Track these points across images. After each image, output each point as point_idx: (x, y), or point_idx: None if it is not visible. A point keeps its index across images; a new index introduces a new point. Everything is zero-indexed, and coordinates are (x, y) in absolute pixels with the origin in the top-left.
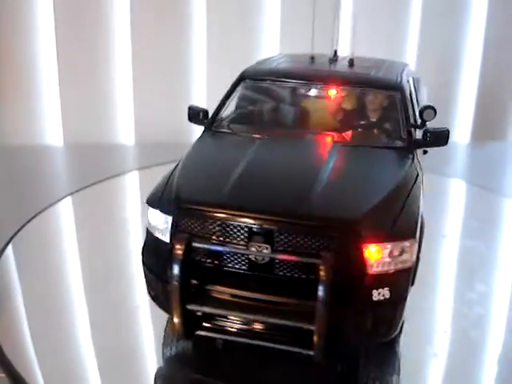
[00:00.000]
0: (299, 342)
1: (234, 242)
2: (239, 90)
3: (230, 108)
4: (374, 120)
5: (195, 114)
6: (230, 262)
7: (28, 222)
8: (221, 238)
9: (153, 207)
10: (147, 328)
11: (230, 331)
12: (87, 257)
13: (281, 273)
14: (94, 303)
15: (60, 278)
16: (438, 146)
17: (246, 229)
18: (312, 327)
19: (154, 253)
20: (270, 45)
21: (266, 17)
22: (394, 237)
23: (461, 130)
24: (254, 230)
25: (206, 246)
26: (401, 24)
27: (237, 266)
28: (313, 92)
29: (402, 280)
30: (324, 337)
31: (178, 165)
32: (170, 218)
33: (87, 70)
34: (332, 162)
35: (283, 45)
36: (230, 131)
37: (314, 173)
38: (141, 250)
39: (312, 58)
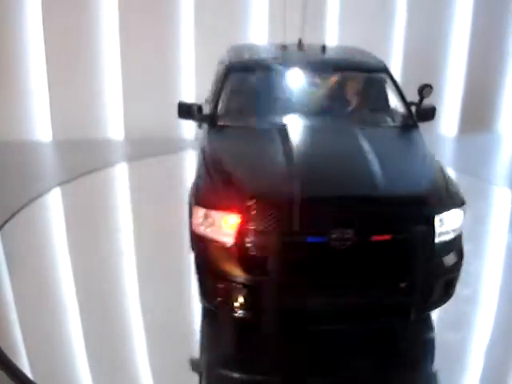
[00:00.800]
0: (395, 316)
1: (317, 231)
2: (229, 83)
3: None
4: (374, 101)
5: (188, 110)
6: (312, 252)
7: (16, 213)
8: (301, 229)
9: (211, 209)
10: (138, 313)
11: (327, 320)
12: (76, 246)
13: (364, 254)
14: (84, 294)
15: (49, 267)
16: (428, 120)
17: (328, 216)
18: (409, 299)
19: (218, 257)
20: (259, 39)
21: (253, 11)
22: (452, 206)
23: (447, 123)
24: (337, 215)
25: (299, 239)
26: (386, 15)
27: (320, 255)
28: (307, 79)
29: (460, 244)
30: (422, 307)
31: (206, 164)
32: (235, 217)
33: (76, 66)
34: (366, 143)
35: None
36: (239, 125)
37: (361, 154)
38: (194, 260)
39: (284, 46)
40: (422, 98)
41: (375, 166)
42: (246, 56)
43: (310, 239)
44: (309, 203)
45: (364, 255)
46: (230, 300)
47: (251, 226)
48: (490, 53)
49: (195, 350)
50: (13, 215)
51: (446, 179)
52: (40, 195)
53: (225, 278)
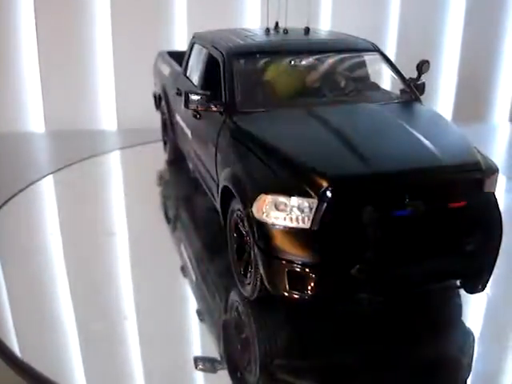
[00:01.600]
0: (470, 278)
1: (399, 204)
2: (235, 69)
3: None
4: (372, 80)
5: (196, 99)
6: (397, 225)
7: (8, 200)
8: (385, 205)
9: (282, 195)
10: (132, 308)
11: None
12: (69, 234)
13: (436, 221)
14: (77, 283)
15: (42, 254)
16: (420, 95)
17: (402, 190)
18: (483, 260)
19: (294, 243)
20: (251, 18)
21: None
22: (493, 170)
23: (441, 112)
24: (410, 188)
25: (385, 215)
26: (381, 2)
27: (404, 227)
28: (309, 60)
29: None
30: (492, 269)
31: (252, 150)
32: (312, 201)
33: (68, 57)
34: (397, 117)
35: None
36: (262, 109)
37: (403, 128)
38: (268, 248)
39: (268, 29)
40: (420, 74)
41: (421, 139)
42: (240, 41)
43: (397, 213)
44: (388, 179)
45: (441, 222)
46: (310, 286)
47: (332, 209)
48: (484, 42)
49: (190, 350)
50: (6, 202)
51: (475, 148)
52: (32, 182)
53: (304, 263)
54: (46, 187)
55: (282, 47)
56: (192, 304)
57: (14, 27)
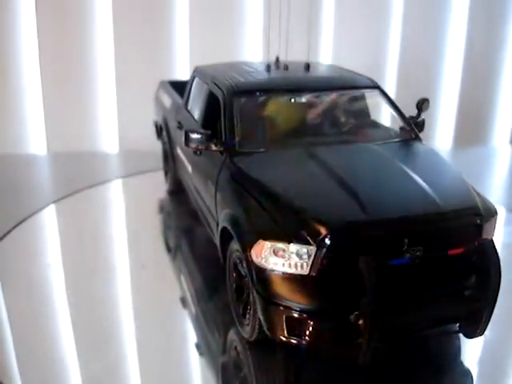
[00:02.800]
0: (469, 322)
1: (398, 253)
2: (236, 107)
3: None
4: (374, 117)
5: (197, 138)
6: (396, 273)
7: (10, 231)
8: (385, 253)
9: (280, 241)
10: (132, 337)
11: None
12: (70, 265)
13: (434, 268)
14: (77, 317)
15: (42, 288)
16: (420, 132)
17: (400, 237)
18: (483, 305)
19: (292, 289)
20: (252, 48)
21: (248, 19)
22: (492, 214)
23: (442, 136)
24: (408, 236)
25: (384, 263)
26: (381, 31)
27: (403, 274)
28: (311, 98)
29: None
30: (491, 313)
31: (251, 193)
32: (311, 248)
33: (70, 79)
34: (397, 160)
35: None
36: (263, 150)
37: (402, 171)
38: (266, 294)
39: (269, 65)
40: (420, 112)
41: (420, 184)
42: (241, 79)
43: (396, 261)
44: (386, 226)
45: (439, 268)
46: (308, 332)
47: (330, 255)
48: (483, 68)
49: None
50: (7, 232)
51: (474, 190)
52: (34, 212)
53: (302, 309)
54: (48, 217)
55: (282, 86)
56: (191, 337)
57: (16, 48)
